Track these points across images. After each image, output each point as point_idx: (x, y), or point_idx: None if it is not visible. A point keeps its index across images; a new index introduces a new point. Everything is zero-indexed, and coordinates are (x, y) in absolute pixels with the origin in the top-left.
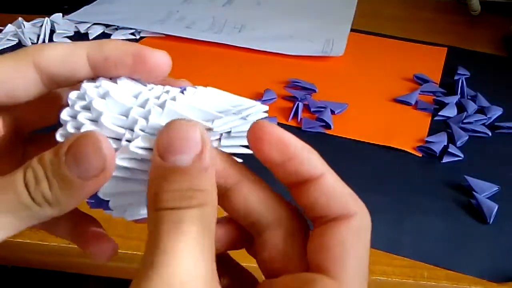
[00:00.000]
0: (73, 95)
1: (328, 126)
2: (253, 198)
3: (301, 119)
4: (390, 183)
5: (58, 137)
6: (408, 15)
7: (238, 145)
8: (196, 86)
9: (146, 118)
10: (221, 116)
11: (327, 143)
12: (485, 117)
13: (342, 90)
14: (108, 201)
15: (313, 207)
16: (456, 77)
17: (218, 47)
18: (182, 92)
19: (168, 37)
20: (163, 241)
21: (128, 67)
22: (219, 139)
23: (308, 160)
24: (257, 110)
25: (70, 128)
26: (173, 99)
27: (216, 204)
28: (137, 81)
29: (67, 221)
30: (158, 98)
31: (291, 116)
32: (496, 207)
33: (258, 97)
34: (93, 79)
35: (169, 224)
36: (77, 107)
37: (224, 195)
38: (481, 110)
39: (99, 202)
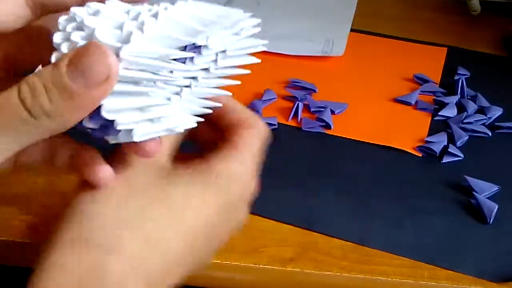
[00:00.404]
0: (62, 18)
1: (328, 126)
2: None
3: (301, 119)
4: (390, 183)
5: (54, 59)
6: (408, 15)
7: (235, 65)
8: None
9: (141, 29)
10: (213, 22)
11: (327, 143)
12: (485, 117)
13: (342, 90)
14: (112, 122)
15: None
16: (456, 77)
17: None
18: (165, 9)
19: None
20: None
21: None
22: (215, 60)
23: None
24: (249, 24)
25: (64, 49)
26: (165, 9)
27: None
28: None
29: (65, 150)
30: (150, 10)
31: (291, 116)
32: (496, 207)
33: (258, 97)
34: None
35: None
36: (69, 28)
37: None
38: (481, 110)
39: (103, 127)
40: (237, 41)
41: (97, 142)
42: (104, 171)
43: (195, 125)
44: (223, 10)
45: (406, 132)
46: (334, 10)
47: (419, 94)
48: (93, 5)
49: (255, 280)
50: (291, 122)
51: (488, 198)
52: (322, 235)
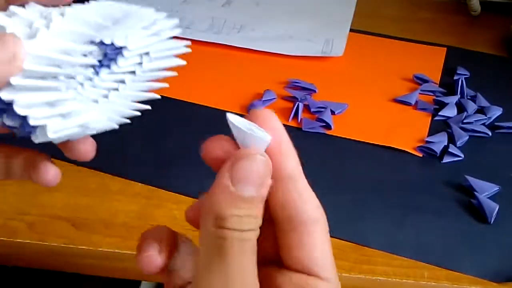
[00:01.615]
0: None
1: (328, 127)
2: (306, 195)
3: (301, 119)
4: (390, 183)
5: None
6: (408, 15)
7: (161, 67)
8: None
9: (47, 26)
10: (124, 18)
11: (327, 143)
12: (485, 117)
13: (342, 90)
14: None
15: (287, 205)
16: (456, 77)
17: (217, 48)
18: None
19: None
20: (230, 256)
21: None
22: (140, 63)
23: (292, 157)
24: (168, 26)
25: None
26: (62, 13)
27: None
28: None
29: (19, 161)
30: (45, 17)
31: (291, 117)
32: (497, 207)
33: (258, 97)
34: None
35: (236, 241)
36: None
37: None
38: (481, 110)
39: (23, 126)
40: (158, 42)
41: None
42: (50, 172)
43: (115, 126)
44: (136, 9)
45: (406, 132)
46: (334, 10)
47: (419, 94)
48: (12, 8)
49: None
50: (291, 123)
51: (488, 198)
52: None
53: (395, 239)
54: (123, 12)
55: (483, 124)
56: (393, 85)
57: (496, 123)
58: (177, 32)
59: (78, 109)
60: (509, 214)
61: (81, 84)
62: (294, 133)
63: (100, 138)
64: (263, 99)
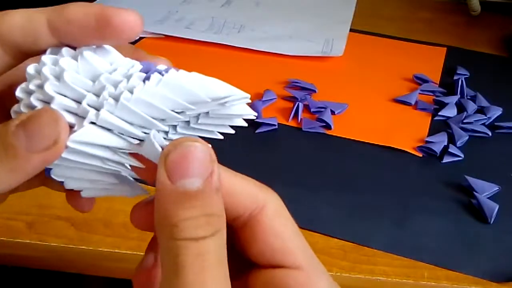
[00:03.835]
0: (30, 69)
1: (328, 127)
2: (236, 190)
3: (301, 119)
4: (390, 183)
5: (12, 113)
6: (408, 15)
7: (219, 124)
8: (168, 70)
9: (98, 109)
10: (180, 118)
11: (327, 143)
12: (485, 117)
13: (342, 90)
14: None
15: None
16: (455, 77)
17: (217, 48)
18: (146, 79)
19: (167, 37)
20: (188, 274)
21: (92, 30)
22: (197, 117)
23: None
24: (237, 98)
25: (22, 107)
26: (131, 90)
27: (225, 225)
28: (105, 52)
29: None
30: (116, 85)
31: (291, 117)
32: (497, 207)
33: (258, 97)
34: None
35: (191, 256)
36: (32, 85)
37: None
38: (481, 110)
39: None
40: (222, 108)
41: None
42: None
43: (136, 194)
44: (209, 87)
45: (406, 132)
46: (334, 10)
47: (419, 94)
48: (62, 62)
49: None
50: (291, 123)
51: (488, 198)
52: (322, 235)
53: (395, 239)
54: (194, 96)
55: (483, 124)
56: (393, 85)
57: (496, 123)
58: (245, 102)
59: (118, 190)
60: (509, 214)
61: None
62: (294, 133)
63: None
64: (263, 99)
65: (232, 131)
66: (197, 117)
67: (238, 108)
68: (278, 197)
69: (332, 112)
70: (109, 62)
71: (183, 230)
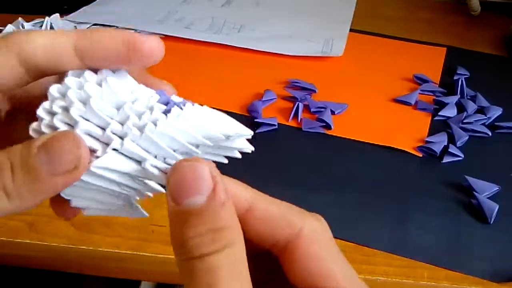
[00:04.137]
0: (53, 89)
1: (328, 127)
2: (271, 217)
3: (301, 119)
4: (390, 183)
5: (31, 132)
6: (408, 15)
7: (217, 154)
8: (183, 104)
9: (122, 138)
10: (198, 152)
11: (327, 143)
12: (485, 117)
13: (342, 90)
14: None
15: (260, 237)
16: (455, 77)
17: (217, 48)
18: (166, 112)
19: (167, 37)
20: None
21: (119, 55)
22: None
23: (242, 185)
24: (242, 135)
25: (44, 127)
26: (154, 122)
27: (242, 238)
28: (123, 77)
29: None
30: (139, 116)
31: (291, 117)
32: (497, 207)
33: (258, 97)
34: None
35: (203, 274)
36: (56, 106)
37: (241, 222)
38: (481, 110)
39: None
40: (225, 141)
41: None
42: (69, 210)
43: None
44: (222, 123)
45: (406, 132)
46: (333, 10)
47: (419, 94)
48: (87, 88)
49: None
50: (291, 123)
51: (488, 198)
52: None
53: (395, 239)
54: (212, 131)
55: (483, 124)
56: (393, 85)
57: (496, 123)
58: (247, 137)
59: (124, 212)
60: (509, 214)
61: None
62: (294, 133)
63: None
64: (263, 99)
65: (226, 161)
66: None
67: (239, 142)
68: (317, 220)
69: (332, 112)
70: (130, 90)
71: (191, 248)
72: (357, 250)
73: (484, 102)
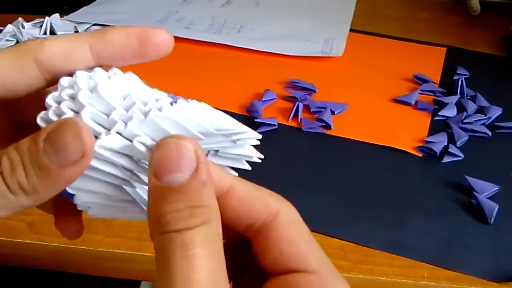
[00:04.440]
0: (64, 81)
1: (328, 127)
2: (249, 199)
3: (301, 119)
4: (390, 183)
5: (39, 120)
6: (408, 15)
7: (225, 164)
8: (190, 100)
9: (125, 123)
10: (202, 138)
11: (327, 143)
12: (485, 117)
13: (342, 90)
14: (73, 194)
15: (237, 218)
16: (455, 77)
17: (217, 48)
18: (172, 103)
19: None
20: (174, 270)
21: (133, 50)
22: (206, 155)
23: (216, 172)
24: (249, 136)
25: (51, 114)
26: (159, 109)
27: (220, 219)
28: (132, 76)
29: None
30: (145, 104)
31: (291, 117)
32: (497, 207)
33: (258, 97)
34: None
35: (177, 249)
36: (64, 94)
37: (220, 203)
38: (481, 110)
39: (65, 192)
40: (232, 147)
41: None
42: (73, 228)
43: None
44: (226, 122)
45: (406, 132)
46: (333, 10)
47: (419, 94)
48: (96, 77)
49: None
50: (291, 123)
51: (488, 198)
52: (322, 235)
53: (395, 239)
54: (216, 125)
55: (483, 124)
56: (393, 85)
57: (496, 123)
58: (255, 143)
59: (131, 210)
60: (509, 214)
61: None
62: (294, 133)
63: None
64: (263, 99)
65: (236, 174)
66: (206, 155)
67: (247, 149)
68: (291, 206)
69: (332, 112)
70: (138, 86)
71: (167, 223)
72: (357, 250)
73: (484, 102)
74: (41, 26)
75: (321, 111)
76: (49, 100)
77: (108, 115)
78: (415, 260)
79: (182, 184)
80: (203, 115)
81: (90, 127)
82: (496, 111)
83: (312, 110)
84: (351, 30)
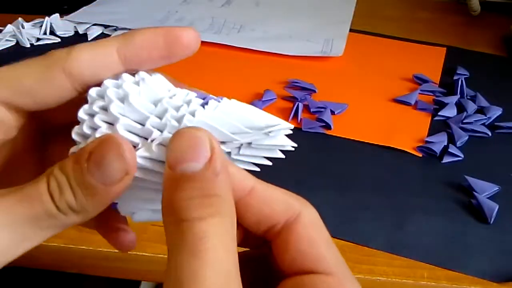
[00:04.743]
0: (93, 91)
1: (328, 127)
2: (272, 200)
3: (301, 119)
4: (390, 183)
5: (74, 135)
6: (408, 15)
7: (258, 155)
8: (220, 98)
9: (161, 131)
10: (238, 140)
11: (327, 143)
12: (485, 117)
13: (342, 90)
14: (116, 203)
15: (259, 220)
16: (455, 77)
17: (217, 48)
18: (203, 105)
19: None
20: (184, 265)
21: (161, 49)
22: (239, 148)
23: (237, 173)
24: (281, 128)
25: (86, 128)
26: (192, 113)
27: (234, 212)
28: (159, 79)
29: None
30: (177, 109)
31: (291, 117)
32: (497, 207)
33: (258, 97)
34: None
35: (190, 238)
36: (95, 107)
37: (238, 204)
38: (481, 110)
39: None
40: (265, 138)
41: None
42: (127, 238)
43: None
44: (260, 118)
45: (406, 132)
46: (333, 10)
47: (419, 94)
48: (125, 86)
49: None
50: (291, 123)
51: (488, 198)
52: None
53: (395, 239)
54: (250, 122)
55: (483, 124)
56: (393, 85)
57: (496, 123)
58: (288, 133)
59: None
60: (509, 214)
61: None
62: (294, 133)
63: None
64: (263, 99)
65: (270, 163)
66: (239, 147)
67: (280, 139)
68: (312, 208)
69: (332, 112)
70: (167, 89)
71: (181, 210)
72: (357, 250)
73: (484, 102)
74: (41, 26)
75: (321, 111)
76: (81, 114)
77: (142, 124)
78: (415, 260)
79: (196, 173)
80: (235, 114)
81: (127, 139)
82: (496, 111)
83: (312, 110)
84: (351, 30)
